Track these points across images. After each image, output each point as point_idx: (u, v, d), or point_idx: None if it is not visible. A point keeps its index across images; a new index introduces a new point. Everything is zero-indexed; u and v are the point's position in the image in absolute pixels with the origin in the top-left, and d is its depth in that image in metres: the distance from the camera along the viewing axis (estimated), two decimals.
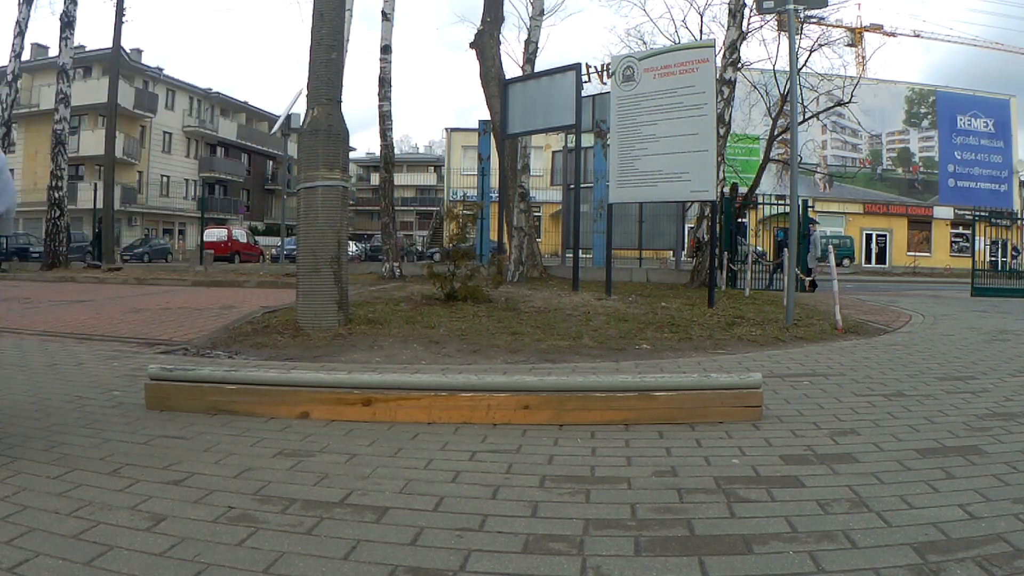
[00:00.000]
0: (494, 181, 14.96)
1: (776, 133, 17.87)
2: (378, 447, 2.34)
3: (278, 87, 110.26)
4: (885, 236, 37.28)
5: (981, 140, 37.02)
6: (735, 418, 2.63)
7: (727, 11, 11.42)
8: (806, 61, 17.63)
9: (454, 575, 1.43)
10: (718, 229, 10.13)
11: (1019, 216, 19.39)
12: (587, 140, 13.95)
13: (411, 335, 5.02)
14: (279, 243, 22.88)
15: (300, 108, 18.25)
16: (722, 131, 10.42)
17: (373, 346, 4.69)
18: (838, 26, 21.59)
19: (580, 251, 10.36)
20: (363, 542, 1.58)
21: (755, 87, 18.92)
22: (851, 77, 20.78)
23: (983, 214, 15.05)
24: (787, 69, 8.69)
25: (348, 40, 10.21)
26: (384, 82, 13.09)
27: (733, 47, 10.87)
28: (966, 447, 2.30)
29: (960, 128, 37.51)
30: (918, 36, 34.82)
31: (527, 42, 12.60)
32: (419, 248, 32.88)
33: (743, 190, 15.07)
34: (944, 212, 37.96)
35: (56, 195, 16.53)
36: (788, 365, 4.03)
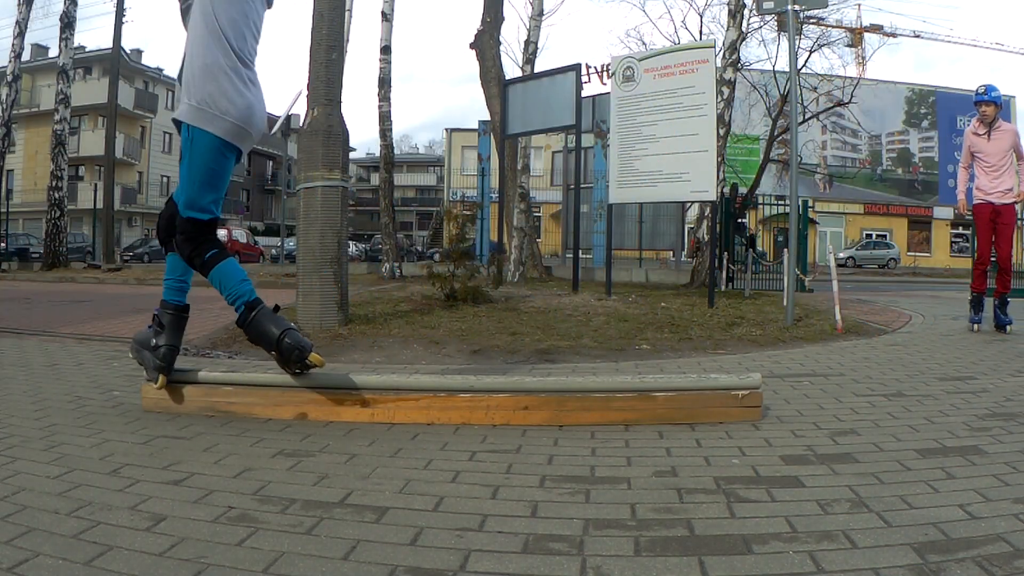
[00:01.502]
0: (494, 181, 14.97)
1: (776, 133, 17.89)
2: (378, 447, 2.34)
3: (278, 87, 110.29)
4: (885, 236, 37.32)
5: None
6: (735, 418, 2.63)
7: (727, 12, 11.43)
8: (806, 61, 17.67)
9: (454, 575, 1.43)
10: (718, 229, 10.13)
11: (1020, 216, 19.35)
12: (587, 140, 13.96)
13: (411, 335, 5.02)
14: (279, 243, 22.88)
15: (300, 108, 18.23)
16: (722, 131, 10.42)
17: (373, 346, 4.69)
18: (838, 26, 21.61)
19: (580, 251, 10.36)
20: (363, 542, 1.58)
21: (755, 87, 18.95)
22: (851, 77, 20.80)
23: None
24: (787, 69, 8.70)
25: (348, 40, 10.20)
26: (384, 82, 13.10)
27: (733, 47, 10.87)
28: (966, 447, 2.30)
29: (960, 128, 37.45)
30: (918, 36, 34.78)
31: (527, 42, 12.60)
32: (419, 248, 32.89)
33: (743, 190, 15.08)
34: (944, 212, 37.96)
35: (56, 195, 16.55)
36: (788, 365, 4.03)
